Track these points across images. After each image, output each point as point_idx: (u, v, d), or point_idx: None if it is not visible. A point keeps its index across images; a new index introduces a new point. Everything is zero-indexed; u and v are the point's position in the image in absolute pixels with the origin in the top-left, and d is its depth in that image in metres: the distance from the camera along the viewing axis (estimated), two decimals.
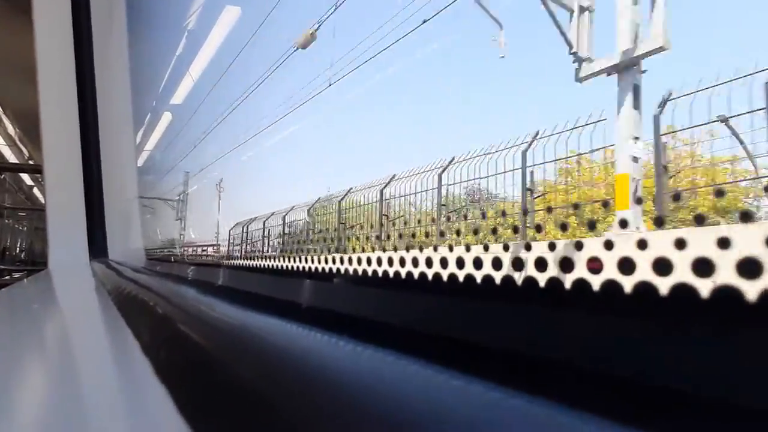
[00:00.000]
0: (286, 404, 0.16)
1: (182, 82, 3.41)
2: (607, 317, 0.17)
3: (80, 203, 1.43)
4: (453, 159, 2.11)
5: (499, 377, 0.15)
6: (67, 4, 1.40)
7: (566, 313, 0.16)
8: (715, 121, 1.69)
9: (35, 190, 7.33)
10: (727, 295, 0.14)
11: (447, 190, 2.16)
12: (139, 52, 2.04)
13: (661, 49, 1.82)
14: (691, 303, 0.15)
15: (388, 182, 2.30)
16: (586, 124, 1.94)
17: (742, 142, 1.61)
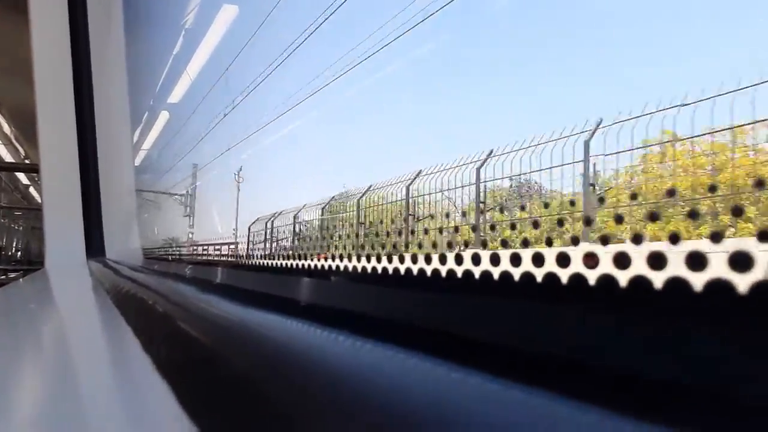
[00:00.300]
0: (286, 393, 0.16)
1: (194, 58, 3.25)
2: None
3: (77, 202, 1.43)
4: (492, 152, 1.89)
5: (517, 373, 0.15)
6: (63, 1, 1.40)
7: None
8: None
9: (31, 190, 7.30)
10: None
11: (485, 186, 1.91)
12: (137, 44, 2.03)
13: None
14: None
15: (414, 178, 2.08)
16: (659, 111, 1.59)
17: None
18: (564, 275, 0.18)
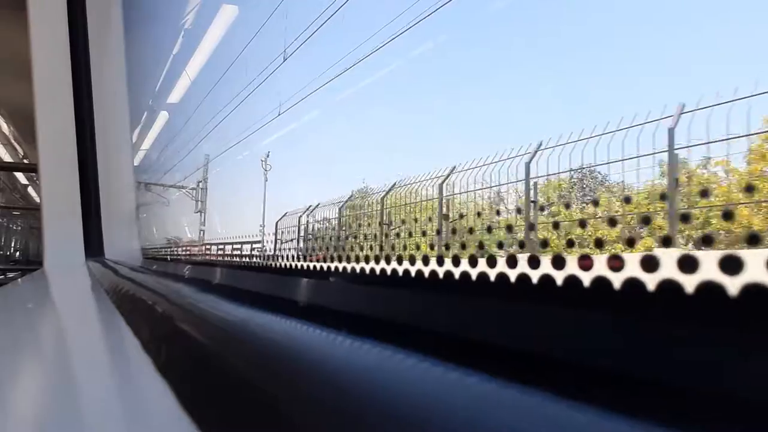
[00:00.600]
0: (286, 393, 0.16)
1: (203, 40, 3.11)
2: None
3: (76, 202, 1.43)
4: (540, 144, 1.72)
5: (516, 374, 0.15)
6: (62, 0, 1.39)
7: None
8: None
9: (30, 189, 7.29)
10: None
11: (534, 183, 1.75)
12: (139, 40, 2.02)
13: None
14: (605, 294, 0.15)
15: (448, 175, 1.88)
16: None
17: None
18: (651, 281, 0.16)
